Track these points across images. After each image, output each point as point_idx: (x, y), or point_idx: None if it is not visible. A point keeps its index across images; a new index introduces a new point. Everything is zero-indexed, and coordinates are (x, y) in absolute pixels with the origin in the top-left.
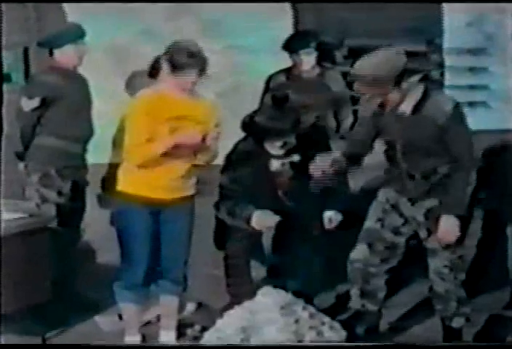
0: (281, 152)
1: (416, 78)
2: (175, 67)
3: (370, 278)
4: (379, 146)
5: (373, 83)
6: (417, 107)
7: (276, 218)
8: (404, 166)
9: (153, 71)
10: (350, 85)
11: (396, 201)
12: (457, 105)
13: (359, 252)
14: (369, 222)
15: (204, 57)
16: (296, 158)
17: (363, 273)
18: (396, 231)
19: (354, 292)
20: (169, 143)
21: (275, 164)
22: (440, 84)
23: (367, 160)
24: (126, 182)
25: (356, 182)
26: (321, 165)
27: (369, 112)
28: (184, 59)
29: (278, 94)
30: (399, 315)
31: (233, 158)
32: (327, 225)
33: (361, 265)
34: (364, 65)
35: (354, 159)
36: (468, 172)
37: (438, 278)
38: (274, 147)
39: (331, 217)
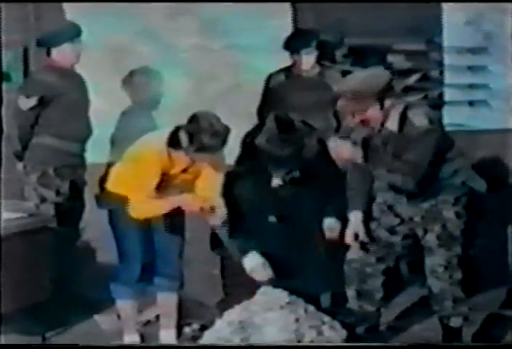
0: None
1: (415, 77)
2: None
3: (367, 278)
4: None
5: (354, 98)
6: (401, 125)
7: (269, 272)
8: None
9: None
10: None
11: (393, 202)
12: (432, 122)
13: (355, 252)
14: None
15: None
16: (296, 174)
17: (360, 274)
18: (392, 230)
19: (351, 293)
20: (171, 206)
21: (275, 181)
22: (440, 83)
23: None
24: (116, 183)
25: None
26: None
27: (359, 136)
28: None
29: (282, 117)
30: (398, 315)
31: (233, 176)
32: (328, 234)
33: (357, 265)
34: (348, 81)
35: None
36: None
37: (434, 278)
38: (276, 171)
39: (331, 226)
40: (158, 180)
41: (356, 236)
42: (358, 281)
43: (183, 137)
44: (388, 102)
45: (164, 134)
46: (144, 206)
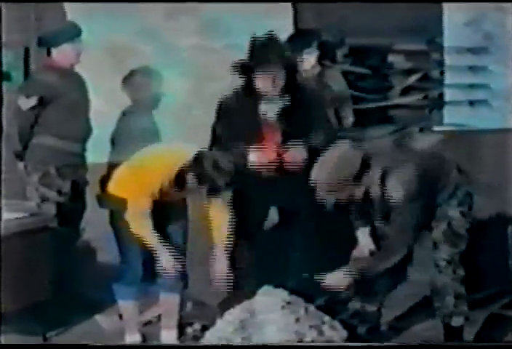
0: (273, 91)
1: (416, 77)
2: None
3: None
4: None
5: (333, 187)
6: (382, 190)
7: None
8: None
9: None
10: (350, 84)
11: None
12: (408, 190)
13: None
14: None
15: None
16: (286, 102)
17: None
18: None
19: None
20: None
21: (264, 107)
22: (440, 83)
23: None
24: (117, 187)
25: None
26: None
27: None
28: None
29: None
30: (399, 315)
31: (224, 105)
32: (291, 159)
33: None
34: (320, 173)
35: None
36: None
37: (437, 271)
38: (266, 87)
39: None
40: (156, 198)
41: (371, 252)
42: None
43: (191, 180)
44: (366, 178)
45: (174, 153)
46: (134, 223)
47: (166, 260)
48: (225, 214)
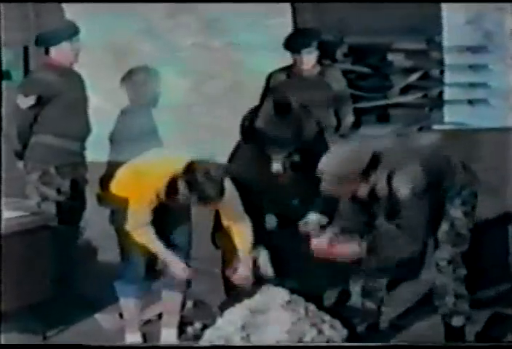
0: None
1: (415, 76)
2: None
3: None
4: None
5: (338, 182)
6: (389, 188)
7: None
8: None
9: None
10: (350, 83)
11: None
12: (415, 188)
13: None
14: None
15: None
16: (296, 158)
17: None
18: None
19: (356, 290)
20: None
21: (276, 166)
22: (440, 82)
23: None
24: (119, 188)
25: None
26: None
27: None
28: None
29: (279, 99)
30: (400, 314)
31: (234, 161)
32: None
33: None
34: (329, 164)
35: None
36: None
37: (437, 271)
38: (276, 154)
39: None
40: (155, 205)
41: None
42: (364, 276)
43: (182, 187)
44: (373, 176)
45: (172, 161)
46: (136, 232)
47: (176, 265)
48: (245, 221)
